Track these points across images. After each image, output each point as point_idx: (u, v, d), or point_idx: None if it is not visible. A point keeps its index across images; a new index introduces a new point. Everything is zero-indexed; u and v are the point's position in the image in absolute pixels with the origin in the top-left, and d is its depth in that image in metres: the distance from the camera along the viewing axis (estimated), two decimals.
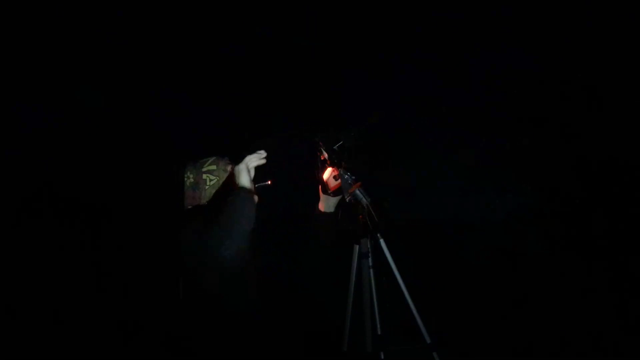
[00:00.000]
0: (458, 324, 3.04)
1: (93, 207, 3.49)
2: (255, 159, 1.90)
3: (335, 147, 2.17)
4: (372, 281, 2.31)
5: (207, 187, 2.00)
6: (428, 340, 2.36)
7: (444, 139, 3.64)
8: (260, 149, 1.92)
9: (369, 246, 2.34)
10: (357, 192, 2.13)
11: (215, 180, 2.01)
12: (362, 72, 3.62)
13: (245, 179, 1.85)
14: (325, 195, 2.21)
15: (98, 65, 3.44)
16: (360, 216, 2.29)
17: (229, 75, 3.62)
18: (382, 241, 2.36)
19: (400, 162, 3.61)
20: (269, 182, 2.07)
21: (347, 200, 2.18)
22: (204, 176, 2.01)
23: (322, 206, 2.24)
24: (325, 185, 2.19)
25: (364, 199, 2.13)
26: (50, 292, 3.34)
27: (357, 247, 2.38)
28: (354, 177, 2.14)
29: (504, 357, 2.90)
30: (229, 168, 2.03)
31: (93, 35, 3.38)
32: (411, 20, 3.58)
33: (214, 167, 2.02)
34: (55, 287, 3.36)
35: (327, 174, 2.22)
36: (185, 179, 2.03)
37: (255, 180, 1.94)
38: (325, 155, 2.19)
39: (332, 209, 2.24)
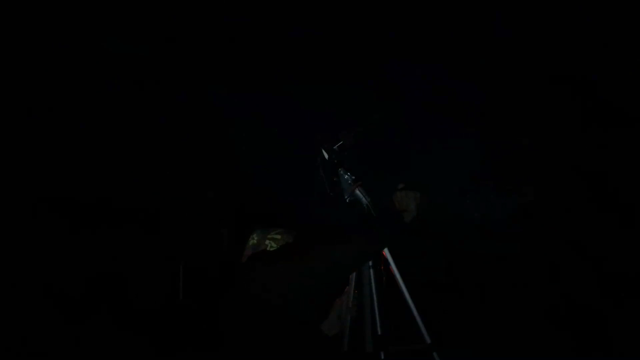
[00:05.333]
0: (458, 324, 3.04)
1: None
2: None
3: (335, 147, 2.18)
4: (372, 281, 2.31)
5: None
6: (428, 340, 2.35)
7: (444, 138, 3.63)
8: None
9: None
10: (357, 192, 2.14)
11: (276, 248, 2.07)
12: (363, 72, 3.62)
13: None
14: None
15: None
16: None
17: (227, 74, 3.62)
18: None
19: (400, 161, 3.61)
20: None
21: (347, 200, 2.18)
22: (267, 242, 2.09)
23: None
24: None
25: (363, 199, 2.14)
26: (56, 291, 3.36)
27: None
28: (353, 177, 2.14)
29: (504, 357, 2.89)
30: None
31: None
32: (412, 20, 3.58)
33: (279, 236, 2.10)
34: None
35: None
36: (250, 238, 2.12)
37: None
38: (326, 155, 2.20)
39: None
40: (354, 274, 2.39)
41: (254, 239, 2.11)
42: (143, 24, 3.45)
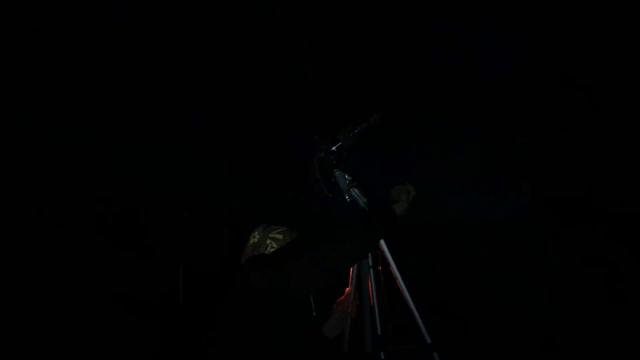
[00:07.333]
0: (458, 324, 3.04)
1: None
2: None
3: (333, 148, 2.17)
4: (372, 281, 2.31)
5: (266, 252, 2.05)
6: (428, 340, 2.35)
7: (444, 138, 3.63)
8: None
9: None
10: (354, 192, 2.14)
11: (276, 249, 2.05)
12: (363, 72, 3.62)
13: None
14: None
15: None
16: None
17: (228, 75, 3.62)
18: (382, 241, 2.35)
19: (399, 161, 3.61)
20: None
21: (348, 200, 2.18)
22: (268, 241, 2.06)
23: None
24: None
25: (360, 200, 2.14)
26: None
27: None
28: (350, 178, 2.15)
29: (503, 357, 2.89)
30: None
31: None
32: (411, 19, 3.59)
33: (280, 236, 2.08)
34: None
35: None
36: (251, 237, 2.09)
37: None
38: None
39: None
40: (354, 274, 2.39)
41: (255, 237, 2.09)
42: (143, 24, 3.45)
